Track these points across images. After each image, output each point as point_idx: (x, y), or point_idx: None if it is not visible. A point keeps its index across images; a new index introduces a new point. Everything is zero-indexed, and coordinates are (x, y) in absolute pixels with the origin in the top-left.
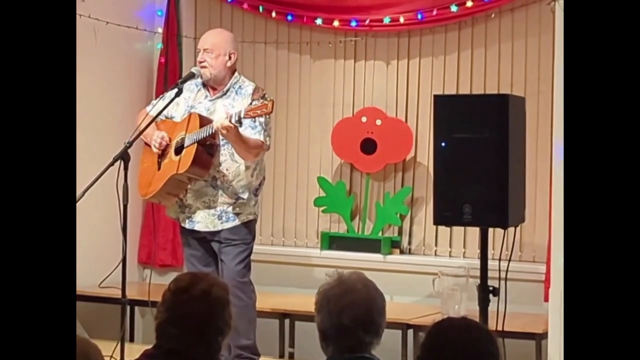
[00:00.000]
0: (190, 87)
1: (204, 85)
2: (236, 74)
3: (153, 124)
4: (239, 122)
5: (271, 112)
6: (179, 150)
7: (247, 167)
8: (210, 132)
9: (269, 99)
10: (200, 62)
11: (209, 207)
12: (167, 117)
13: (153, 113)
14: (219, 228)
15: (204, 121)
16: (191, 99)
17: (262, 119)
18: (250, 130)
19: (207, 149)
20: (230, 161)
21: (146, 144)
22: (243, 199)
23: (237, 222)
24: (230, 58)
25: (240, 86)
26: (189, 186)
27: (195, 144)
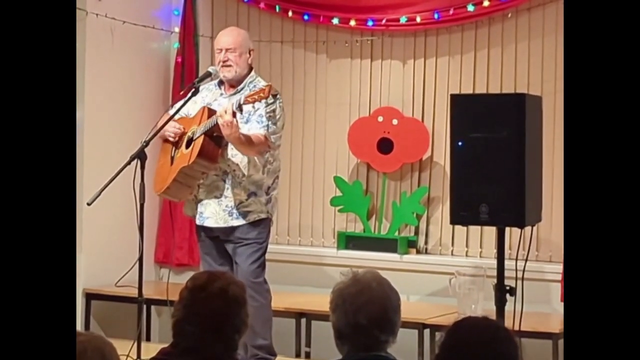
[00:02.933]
0: (209, 87)
1: (220, 83)
2: (252, 72)
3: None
4: (240, 109)
5: (267, 96)
6: (189, 143)
7: (257, 163)
8: (214, 123)
9: (267, 86)
10: (225, 62)
11: (220, 202)
12: (187, 115)
13: (173, 116)
14: (229, 225)
15: (212, 113)
16: (208, 97)
17: (268, 115)
18: (257, 125)
19: (214, 140)
20: (240, 155)
21: (164, 141)
22: (255, 195)
23: (247, 219)
24: (250, 55)
25: (255, 85)
26: (201, 181)
27: (203, 136)
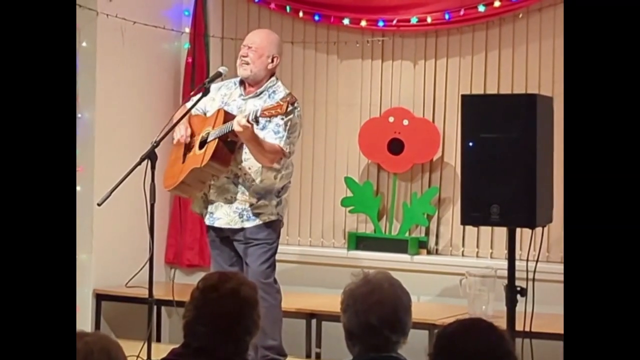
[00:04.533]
0: (229, 84)
1: (241, 83)
2: (274, 77)
3: (185, 119)
4: (256, 120)
5: (284, 112)
6: (203, 144)
7: (270, 169)
8: (230, 129)
9: (284, 101)
10: (243, 57)
11: (230, 204)
12: (204, 111)
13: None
14: (239, 226)
15: (228, 117)
16: (227, 96)
17: (285, 125)
18: (273, 135)
19: (227, 145)
20: (252, 160)
21: None
22: (264, 199)
23: (257, 221)
24: (272, 61)
25: (274, 91)
26: (212, 182)
27: (217, 140)
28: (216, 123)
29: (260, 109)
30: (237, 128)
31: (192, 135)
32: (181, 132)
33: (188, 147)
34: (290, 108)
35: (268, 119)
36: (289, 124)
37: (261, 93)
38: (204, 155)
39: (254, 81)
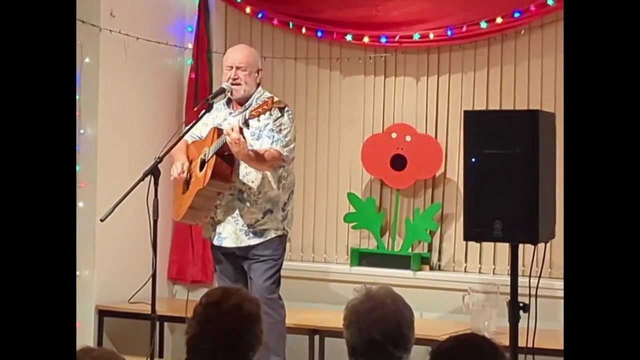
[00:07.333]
0: (218, 107)
1: (228, 102)
2: (260, 88)
3: (183, 145)
4: (246, 124)
5: (271, 107)
6: (203, 165)
7: (272, 179)
8: (224, 142)
9: (269, 98)
10: (235, 79)
11: (237, 222)
12: (199, 137)
13: (186, 133)
14: (246, 244)
15: (221, 133)
16: (218, 118)
17: (278, 128)
18: (268, 140)
19: (225, 160)
20: (254, 173)
21: None
22: (271, 213)
23: (264, 238)
24: (258, 74)
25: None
26: (218, 202)
27: (214, 156)
28: (212, 141)
29: (247, 112)
30: (228, 139)
31: (191, 162)
32: (178, 170)
33: (190, 174)
34: (281, 105)
35: (257, 118)
36: (281, 127)
37: (250, 106)
38: (205, 175)
39: (245, 98)
